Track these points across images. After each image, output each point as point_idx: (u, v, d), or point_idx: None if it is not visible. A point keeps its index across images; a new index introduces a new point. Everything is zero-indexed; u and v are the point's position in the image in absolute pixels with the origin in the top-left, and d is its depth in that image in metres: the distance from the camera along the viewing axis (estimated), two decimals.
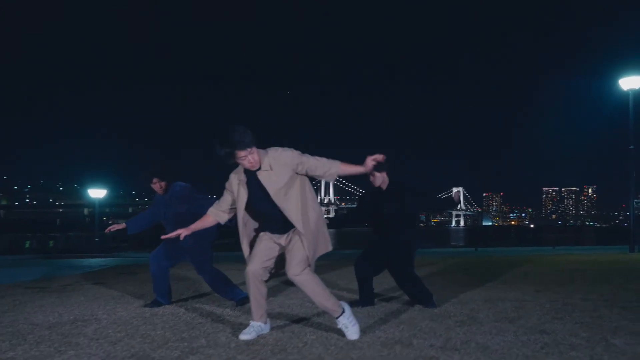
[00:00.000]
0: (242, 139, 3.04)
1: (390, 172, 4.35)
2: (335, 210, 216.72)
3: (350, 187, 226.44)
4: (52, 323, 3.75)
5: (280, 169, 3.14)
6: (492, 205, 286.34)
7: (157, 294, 4.54)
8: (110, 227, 4.65)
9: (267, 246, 3.24)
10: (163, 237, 3.52)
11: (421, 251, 14.91)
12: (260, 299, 3.26)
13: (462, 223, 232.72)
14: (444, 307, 4.31)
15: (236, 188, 3.24)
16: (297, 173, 3.19)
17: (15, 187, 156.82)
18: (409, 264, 4.27)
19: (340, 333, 3.23)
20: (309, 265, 3.18)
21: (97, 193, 17.76)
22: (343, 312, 3.23)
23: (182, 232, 3.36)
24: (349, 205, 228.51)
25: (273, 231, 3.25)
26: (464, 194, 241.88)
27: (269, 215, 3.23)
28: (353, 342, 3.08)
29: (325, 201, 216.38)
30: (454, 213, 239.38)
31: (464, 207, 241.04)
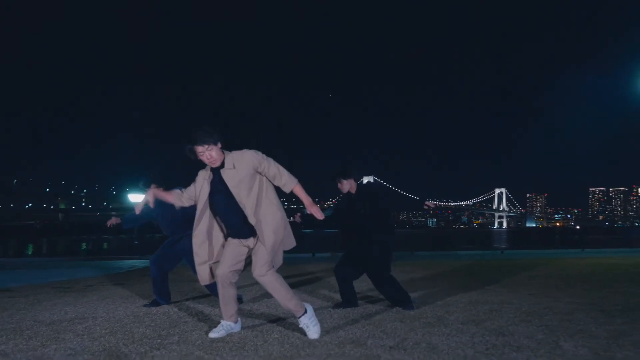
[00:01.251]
0: (202, 136, 3.31)
1: (357, 178, 4.54)
2: None
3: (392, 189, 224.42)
4: (53, 320, 4.06)
5: (242, 167, 3.34)
6: (536, 207, 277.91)
7: (157, 295, 4.81)
8: (109, 221, 5.00)
9: (236, 251, 3.42)
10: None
11: (445, 254, 14.85)
12: (229, 300, 3.45)
13: (504, 224, 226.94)
14: (423, 309, 4.39)
15: (200, 183, 3.47)
16: (259, 173, 3.38)
17: (72, 192, 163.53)
18: (385, 268, 4.38)
19: (304, 333, 3.39)
20: (273, 266, 3.35)
21: (136, 197, 18.47)
22: (305, 312, 3.38)
23: (150, 197, 3.64)
24: None
25: (240, 235, 3.42)
26: (506, 195, 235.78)
27: (229, 214, 3.39)
28: (311, 341, 3.23)
29: None
30: (497, 214, 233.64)
31: (506, 208, 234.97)
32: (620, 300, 4.82)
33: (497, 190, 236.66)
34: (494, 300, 4.90)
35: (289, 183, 3.38)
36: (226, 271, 3.39)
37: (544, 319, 3.94)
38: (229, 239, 3.47)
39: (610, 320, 3.86)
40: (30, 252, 24.46)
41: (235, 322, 3.51)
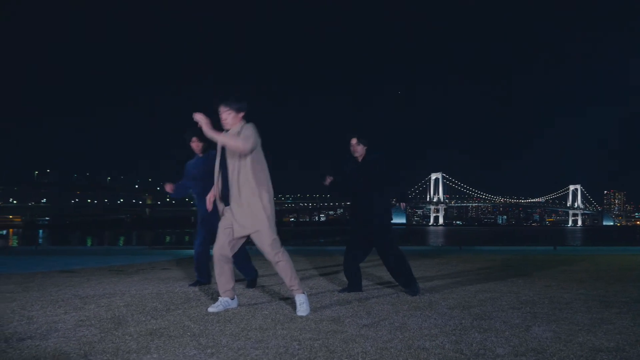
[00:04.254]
0: (228, 99, 3.51)
1: (369, 146, 4.60)
2: (445, 209, 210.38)
3: (460, 185, 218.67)
4: (87, 295, 4.50)
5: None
6: (614, 204, 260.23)
7: (198, 274, 5.11)
8: (167, 186, 5.31)
9: (226, 224, 3.61)
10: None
11: (494, 249, 14.43)
12: (225, 276, 3.69)
13: (579, 222, 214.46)
14: (427, 295, 4.42)
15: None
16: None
17: (158, 188, 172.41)
18: (392, 244, 4.48)
19: (292, 312, 3.59)
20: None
21: None
22: (303, 293, 3.61)
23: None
24: (459, 204, 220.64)
25: (226, 202, 3.61)
26: (581, 192, 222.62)
27: (223, 179, 3.60)
28: (293, 317, 3.41)
29: (435, 200, 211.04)
30: (571, 212, 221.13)
31: (581, 206, 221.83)
32: (634, 294, 4.61)
33: (572, 187, 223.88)
34: (501, 289, 4.84)
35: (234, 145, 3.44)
36: (219, 247, 3.62)
37: (536, 307, 3.89)
38: (224, 209, 3.67)
39: (603, 310, 3.75)
40: (121, 244, 26.33)
41: (232, 298, 3.75)
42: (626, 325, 3.23)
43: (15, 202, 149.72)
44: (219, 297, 3.72)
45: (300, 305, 3.56)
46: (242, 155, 3.49)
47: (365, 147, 4.59)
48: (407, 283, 4.46)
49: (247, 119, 3.62)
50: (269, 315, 3.49)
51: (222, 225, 3.65)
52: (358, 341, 2.77)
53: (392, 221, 4.62)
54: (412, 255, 8.99)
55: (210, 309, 3.64)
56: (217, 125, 3.63)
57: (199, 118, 3.43)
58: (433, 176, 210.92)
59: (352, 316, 3.48)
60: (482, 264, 7.92)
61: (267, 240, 3.55)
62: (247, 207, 3.51)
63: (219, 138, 3.46)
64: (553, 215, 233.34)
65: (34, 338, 2.83)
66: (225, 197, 3.62)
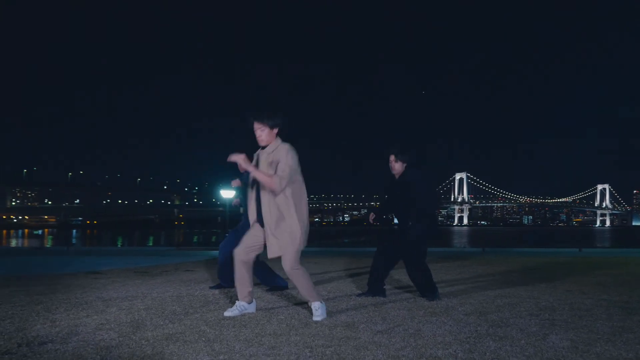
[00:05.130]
0: (261, 115, 3.48)
1: (409, 163, 4.45)
2: (469, 210, 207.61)
3: (486, 185, 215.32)
4: (110, 297, 4.57)
5: (276, 156, 3.46)
6: None
7: (221, 279, 5.15)
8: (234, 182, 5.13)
9: (254, 233, 3.63)
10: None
11: (518, 251, 14.17)
12: (243, 280, 3.67)
13: (607, 223, 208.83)
14: (445, 300, 4.36)
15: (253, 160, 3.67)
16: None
17: (186, 189, 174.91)
18: (417, 255, 4.42)
19: (307, 317, 3.58)
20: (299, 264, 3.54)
21: (227, 193, 19.59)
22: (319, 301, 3.59)
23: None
24: (483, 204, 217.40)
25: (260, 222, 3.60)
26: (610, 191, 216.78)
27: (254, 200, 3.60)
28: (308, 323, 3.39)
29: (459, 200, 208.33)
30: (599, 212, 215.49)
31: (610, 206, 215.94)
32: None
33: (600, 187, 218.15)
34: (521, 294, 4.74)
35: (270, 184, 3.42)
36: (241, 251, 3.62)
37: (555, 313, 3.79)
38: (253, 221, 3.67)
39: (625, 318, 3.64)
40: (150, 244, 26.85)
41: (250, 302, 3.75)
42: None
43: (50, 202, 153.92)
44: (237, 301, 3.73)
45: (316, 311, 3.55)
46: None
47: (404, 164, 4.43)
48: (430, 297, 4.39)
49: (281, 134, 3.59)
50: (284, 321, 3.48)
51: (252, 232, 3.64)
52: (370, 348, 2.74)
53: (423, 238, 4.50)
54: (434, 258, 8.89)
55: (227, 313, 3.65)
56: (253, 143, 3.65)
57: (235, 159, 3.47)
58: (457, 176, 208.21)
59: (366, 322, 3.45)
60: (503, 266, 7.78)
61: (289, 260, 3.52)
62: (282, 232, 3.49)
63: (256, 174, 3.44)
64: (580, 215, 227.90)
65: (55, 342, 2.88)
66: (260, 219, 3.59)
